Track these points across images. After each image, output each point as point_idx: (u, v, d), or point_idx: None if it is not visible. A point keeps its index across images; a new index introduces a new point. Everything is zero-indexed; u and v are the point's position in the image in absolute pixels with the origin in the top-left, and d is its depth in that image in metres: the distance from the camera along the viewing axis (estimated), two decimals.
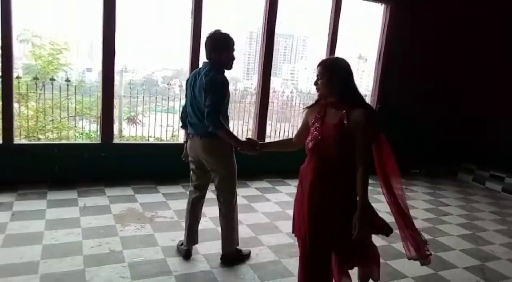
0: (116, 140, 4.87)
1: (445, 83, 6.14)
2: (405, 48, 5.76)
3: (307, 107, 2.35)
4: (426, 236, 3.82)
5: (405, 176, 6.01)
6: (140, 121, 6.51)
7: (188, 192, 3.18)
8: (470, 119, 6.32)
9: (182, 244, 3.14)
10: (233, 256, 3.06)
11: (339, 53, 5.65)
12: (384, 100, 5.88)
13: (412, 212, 4.48)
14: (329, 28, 5.49)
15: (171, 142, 5.67)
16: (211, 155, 2.87)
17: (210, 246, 3.27)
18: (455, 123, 6.31)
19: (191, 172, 3.11)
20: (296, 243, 3.42)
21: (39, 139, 5.39)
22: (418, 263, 3.25)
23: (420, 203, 4.91)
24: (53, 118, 5.79)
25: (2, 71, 4.11)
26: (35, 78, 4.96)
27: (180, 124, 3.20)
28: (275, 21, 5.09)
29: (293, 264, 3.11)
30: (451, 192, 5.53)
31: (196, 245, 3.27)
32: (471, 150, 6.37)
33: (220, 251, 3.10)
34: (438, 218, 4.45)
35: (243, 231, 3.48)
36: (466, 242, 3.85)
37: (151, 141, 5.51)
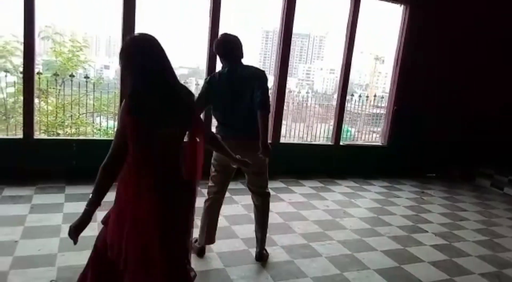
0: None
1: (464, 85, 6.04)
2: (423, 50, 5.69)
3: None
4: (442, 241, 3.81)
5: (421, 179, 5.95)
6: None
7: (206, 192, 3.12)
8: (489, 122, 6.23)
9: (196, 241, 3.15)
10: None
11: (356, 54, 5.62)
12: (401, 102, 5.82)
13: (427, 216, 4.51)
14: (346, 29, 5.45)
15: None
16: (256, 153, 2.84)
17: (222, 244, 3.29)
18: (472, 126, 6.21)
19: (217, 174, 3.01)
20: (310, 243, 3.44)
21: (58, 134, 5.50)
22: (432, 267, 3.26)
23: (436, 207, 4.85)
24: (72, 114, 5.89)
25: (24, 68, 4.20)
26: (55, 75, 5.06)
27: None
28: (292, 20, 5.07)
29: (307, 264, 3.11)
30: (468, 197, 5.44)
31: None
32: (490, 154, 6.26)
33: (234, 249, 3.14)
34: (455, 223, 4.39)
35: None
36: (482, 248, 3.79)
37: None
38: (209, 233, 3.08)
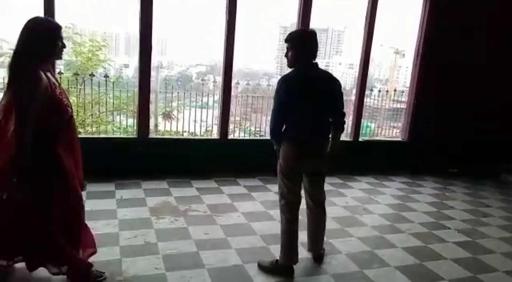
0: (152, 135, 4.98)
1: (488, 78, 5.87)
2: (444, 43, 5.55)
3: None
4: (465, 238, 3.72)
5: (443, 175, 5.83)
6: (175, 116, 6.62)
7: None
8: None
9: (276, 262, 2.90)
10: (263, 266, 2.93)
11: (375, 47, 5.52)
12: (422, 96, 5.70)
13: (450, 213, 4.42)
14: (365, 22, 5.36)
15: (204, 137, 5.75)
16: (324, 157, 2.88)
17: (241, 241, 3.29)
18: (497, 121, 6.04)
19: (291, 185, 2.81)
20: (329, 240, 3.41)
21: (79, 133, 5.58)
22: (455, 264, 3.20)
23: (458, 204, 4.74)
24: (93, 113, 5.98)
25: None
26: (76, 74, 5.14)
27: (275, 145, 2.84)
28: (309, 15, 5.01)
29: (327, 261, 3.09)
30: (492, 193, 5.30)
31: (228, 239, 3.31)
32: None
33: (252, 245, 3.15)
34: (478, 219, 4.28)
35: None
36: (508, 245, 3.68)
37: (185, 135, 5.59)
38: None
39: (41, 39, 2.16)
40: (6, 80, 2.25)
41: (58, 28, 2.22)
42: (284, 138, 2.74)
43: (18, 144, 2.08)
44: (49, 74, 2.23)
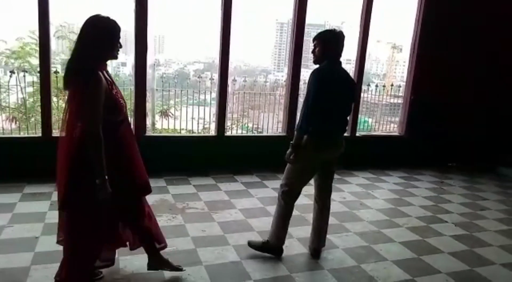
0: (149, 133, 4.97)
1: (483, 72, 5.88)
2: (440, 37, 5.55)
3: None
4: (462, 231, 3.73)
5: (440, 169, 5.84)
6: (172, 114, 6.62)
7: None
8: (510, 109, 6.05)
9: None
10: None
11: (372, 43, 5.52)
12: (419, 91, 5.70)
13: (447, 206, 4.43)
14: (361, 17, 5.36)
15: (202, 134, 5.75)
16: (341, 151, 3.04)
17: (239, 237, 3.30)
18: (493, 114, 6.05)
19: (306, 177, 2.99)
20: (327, 235, 3.41)
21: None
22: (452, 258, 3.21)
23: (456, 197, 4.75)
24: None
25: (40, 67, 4.27)
26: None
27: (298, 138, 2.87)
28: (305, 11, 5.01)
29: (323, 256, 3.10)
30: (490, 186, 5.31)
31: (226, 236, 3.32)
32: (511, 141, 6.09)
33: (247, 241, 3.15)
34: (475, 213, 4.30)
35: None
36: (504, 237, 3.70)
37: (183, 133, 5.60)
38: None
39: (102, 39, 2.11)
40: (63, 81, 2.20)
41: (117, 27, 2.17)
42: (312, 130, 2.79)
43: (94, 145, 2.05)
44: (105, 74, 2.20)
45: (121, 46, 2.20)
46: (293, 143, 2.87)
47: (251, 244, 3.10)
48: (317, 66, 2.90)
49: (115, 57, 2.19)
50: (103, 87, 2.09)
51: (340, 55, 2.90)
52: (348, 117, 3.03)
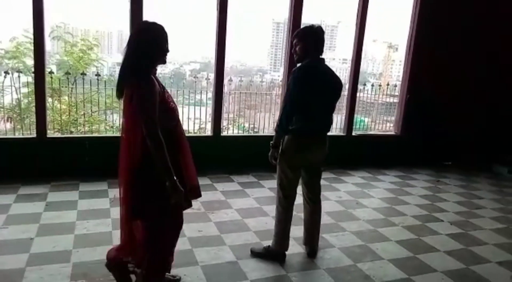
0: None
1: (479, 70, 5.90)
2: (435, 36, 5.57)
3: None
4: (458, 230, 3.75)
5: (436, 168, 5.86)
6: None
7: (281, 197, 2.97)
8: (505, 108, 6.09)
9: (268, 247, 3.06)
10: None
11: (368, 42, 5.53)
12: (414, 90, 5.71)
13: (443, 205, 4.45)
14: (356, 17, 5.37)
15: (198, 134, 5.73)
16: (326, 150, 3.01)
17: (236, 238, 3.30)
18: (488, 113, 6.08)
19: (294, 178, 2.91)
20: (323, 235, 3.41)
21: (71, 132, 5.57)
22: (448, 256, 3.22)
23: (451, 196, 4.76)
24: (85, 112, 5.95)
25: (35, 68, 4.25)
26: (67, 74, 5.11)
27: (277, 137, 2.86)
28: (301, 11, 5.00)
29: (320, 256, 3.10)
30: (485, 185, 5.33)
31: (222, 236, 3.31)
32: (506, 141, 6.12)
33: (246, 242, 3.15)
34: (471, 211, 4.31)
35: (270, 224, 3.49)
36: (500, 236, 3.71)
37: None
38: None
39: (153, 46, 2.14)
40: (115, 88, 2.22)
41: (165, 33, 2.19)
42: (293, 129, 2.77)
43: (157, 146, 2.03)
44: (157, 77, 2.22)
45: (168, 51, 2.22)
46: (272, 143, 2.86)
47: (253, 252, 3.05)
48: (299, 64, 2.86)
49: (164, 62, 2.23)
50: (157, 89, 2.12)
51: (320, 52, 2.85)
52: (332, 116, 3.00)
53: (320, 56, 2.86)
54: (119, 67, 2.19)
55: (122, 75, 2.16)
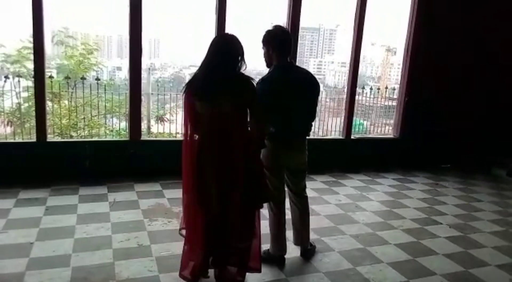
0: (144, 137, 4.97)
1: (477, 72, 5.92)
2: (433, 38, 5.59)
3: None
4: (457, 233, 3.76)
5: (435, 171, 5.87)
6: (168, 119, 6.62)
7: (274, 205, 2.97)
8: (504, 110, 6.11)
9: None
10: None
11: (366, 45, 5.55)
12: (412, 93, 5.73)
13: (442, 208, 4.45)
14: (354, 20, 5.39)
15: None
16: (305, 153, 2.99)
17: None
18: (486, 115, 6.10)
19: (275, 181, 2.90)
20: (322, 238, 3.43)
21: (71, 136, 5.59)
22: (447, 259, 3.23)
23: (450, 199, 4.77)
24: (85, 116, 5.97)
25: (35, 72, 4.26)
26: (67, 78, 5.12)
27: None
28: (299, 15, 5.02)
29: (319, 259, 3.10)
30: (484, 187, 5.34)
31: None
32: (505, 143, 6.13)
33: None
34: (470, 214, 4.32)
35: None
36: (499, 239, 3.72)
37: (179, 137, 5.59)
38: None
39: (239, 54, 2.42)
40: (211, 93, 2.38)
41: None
42: (269, 135, 2.74)
43: (263, 135, 2.54)
44: None
45: None
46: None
47: None
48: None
49: (244, 68, 2.47)
50: None
51: (287, 54, 2.78)
52: (310, 119, 2.95)
53: (288, 59, 2.79)
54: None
55: (220, 82, 2.36)
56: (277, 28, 2.81)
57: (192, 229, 2.62)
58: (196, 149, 2.50)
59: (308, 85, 2.86)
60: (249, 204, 2.50)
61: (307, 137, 3.02)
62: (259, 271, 2.69)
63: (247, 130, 2.48)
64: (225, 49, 2.40)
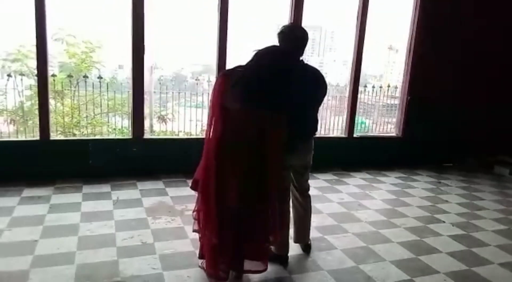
0: (147, 135, 4.98)
1: (479, 71, 5.91)
2: (436, 37, 5.59)
3: None
4: (460, 231, 3.76)
5: (438, 169, 5.86)
6: (169, 119, 6.62)
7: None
8: (506, 108, 6.11)
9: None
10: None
11: (368, 44, 5.53)
12: (415, 91, 5.73)
13: (444, 207, 4.45)
14: (356, 19, 5.38)
15: (200, 136, 5.75)
16: (311, 153, 3.00)
17: None
18: (489, 113, 6.09)
19: (285, 176, 2.92)
20: (325, 237, 3.44)
21: (74, 135, 5.60)
22: (450, 258, 3.23)
23: (453, 197, 4.77)
24: (87, 115, 5.98)
25: (38, 70, 4.27)
26: (70, 76, 5.13)
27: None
28: (301, 14, 5.02)
29: (322, 257, 3.11)
30: (487, 186, 5.34)
31: None
32: (508, 141, 6.13)
33: None
34: (473, 212, 4.32)
35: None
36: (502, 237, 3.72)
37: (181, 135, 5.60)
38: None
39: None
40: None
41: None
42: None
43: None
44: None
45: None
46: None
47: None
48: None
49: None
50: None
51: (301, 53, 2.82)
52: (313, 119, 2.92)
53: (301, 58, 2.82)
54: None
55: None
56: (293, 24, 2.80)
57: (207, 222, 2.62)
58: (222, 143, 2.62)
59: (312, 82, 2.84)
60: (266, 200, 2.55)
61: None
62: (265, 269, 2.69)
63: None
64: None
